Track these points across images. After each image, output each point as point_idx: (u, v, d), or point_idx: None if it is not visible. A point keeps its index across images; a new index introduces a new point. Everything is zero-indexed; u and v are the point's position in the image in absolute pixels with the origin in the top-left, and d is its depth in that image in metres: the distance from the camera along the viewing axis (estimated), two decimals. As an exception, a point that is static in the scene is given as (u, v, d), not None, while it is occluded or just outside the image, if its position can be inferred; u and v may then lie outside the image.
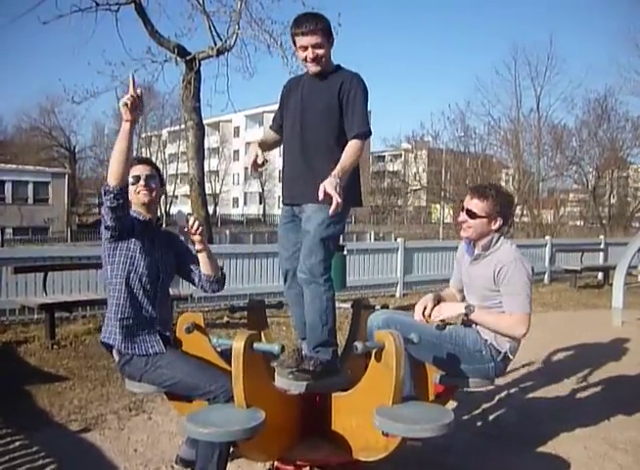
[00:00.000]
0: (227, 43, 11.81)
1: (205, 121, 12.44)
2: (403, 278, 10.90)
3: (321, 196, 2.69)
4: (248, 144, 60.48)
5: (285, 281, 3.23)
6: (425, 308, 3.19)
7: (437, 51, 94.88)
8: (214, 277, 3.17)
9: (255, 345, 2.58)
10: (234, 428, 2.39)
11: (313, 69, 2.99)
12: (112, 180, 2.77)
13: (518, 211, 28.32)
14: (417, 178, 35.00)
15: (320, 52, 2.94)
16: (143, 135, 51.59)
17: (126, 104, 2.67)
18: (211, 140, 50.03)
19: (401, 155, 45.14)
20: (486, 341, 3.11)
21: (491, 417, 4.37)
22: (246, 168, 60.42)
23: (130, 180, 3.00)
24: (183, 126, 12.82)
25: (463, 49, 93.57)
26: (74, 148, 51.76)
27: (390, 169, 50.42)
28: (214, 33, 11.83)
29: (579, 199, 33.57)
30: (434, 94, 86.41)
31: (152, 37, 11.55)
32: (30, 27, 53.58)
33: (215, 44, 11.78)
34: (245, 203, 62.80)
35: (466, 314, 3.11)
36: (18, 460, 3.40)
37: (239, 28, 11.71)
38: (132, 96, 2.68)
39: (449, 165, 31.55)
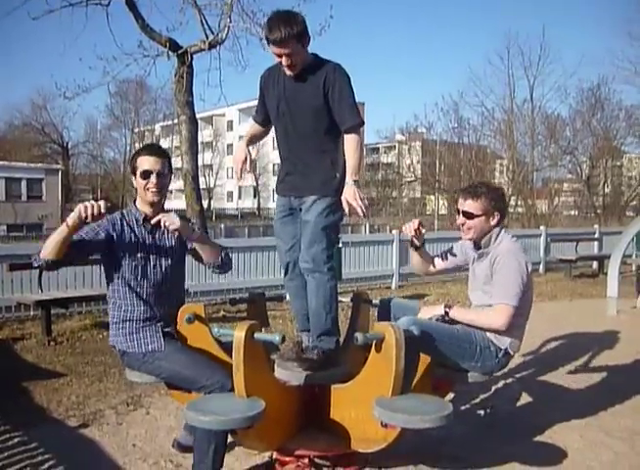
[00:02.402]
0: (219, 36, 11.72)
1: (198, 115, 12.36)
2: (399, 270, 10.92)
3: (346, 209, 2.88)
4: (241, 138, 60.50)
5: (285, 273, 3.24)
6: (416, 226, 3.33)
7: (430, 42, 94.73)
8: (214, 263, 3.10)
9: (256, 335, 2.60)
10: (234, 416, 2.42)
11: (289, 73, 2.96)
12: (43, 255, 2.73)
13: (512, 201, 28.37)
14: (411, 170, 35.07)
15: (293, 59, 2.90)
16: (136, 130, 51.49)
17: (81, 214, 2.60)
18: (205, 134, 49.85)
19: (395, 146, 45.10)
20: (488, 337, 3.14)
21: (487, 407, 4.39)
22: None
23: (140, 172, 2.98)
24: (176, 121, 12.75)
25: (456, 39, 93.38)
26: (67, 144, 51.61)
27: (385, 161, 50.36)
28: (206, 27, 11.72)
29: (573, 188, 33.63)
30: (427, 85, 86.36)
31: (143, 31, 11.45)
32: (21, 23, 53.31)
33: (207, 38, 11.69)
34: (239, 197, 62.68)
35: (446, 313, 3.15)
36: (17, 457, 3.40)
37: (230, 22, 11.60)
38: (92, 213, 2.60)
39: (443, 157, 31.60)
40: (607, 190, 32.62)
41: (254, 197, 57.69)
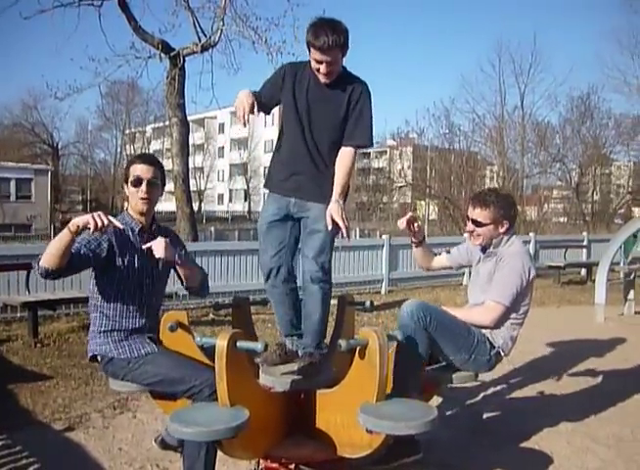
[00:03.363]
0: (211, 39, 11.73)
1: (189, 118, 12.36)
2: (389, 275, 10.93)
3: (329, 225, 2.84)
4: (232, 141, 60.32)
5: (267, 279, 3.16)
6: (410, 223, 3.39)
7: (422, 47, 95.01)
8: (192, 288, 3.14)
9: (239, 343, 2.58)
10: (217, 427, 2.38)
11: (323, 80, 2.92)
12: (43, 262, 2.66)
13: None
14: (402, 175, 35.05)
15: (334, 68, 2.87)
16: (127, 132, 51.31)
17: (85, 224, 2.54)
18: (196, 137, 49.74)
19: (386, 152, 45.19)
20: (484, 333, 3.16)
21: (475, 413, 4.40)
22: (231, 165, 60.39)
23: (131, 180, 2.96)
24: (167, 123, 12.73)
25: (448, 46, 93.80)
26: (57, 144, 51.19)
27: (375, 166, 50.41)
28: (199, 29, 11.75)
29: (563, 195, 33.80)
30: (418, 91, 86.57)
31: (135, 33, 11.45)
32: (12, 23, 53.04)
33: (200, 40, 11.70)
34: (230, 200, 62.60)
35: None
36: (0, 460, 3.37)
37: (223, 25, 11.63)
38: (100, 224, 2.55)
39: (434, 162, 31.61)
40: (595, 197, 32.81)
41: (245, 200, 57.62)
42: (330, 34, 2.76)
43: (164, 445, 3.35)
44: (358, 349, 2.65)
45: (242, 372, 2.64)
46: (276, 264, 3.11)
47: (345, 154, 2.96)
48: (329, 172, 2.99)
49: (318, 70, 2.88)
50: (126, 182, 3.03)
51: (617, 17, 61.69)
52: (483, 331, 3.17)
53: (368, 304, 3.77)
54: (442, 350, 3.12)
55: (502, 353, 3.21)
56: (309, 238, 3.02)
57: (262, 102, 3.04)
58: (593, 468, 3.52)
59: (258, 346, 2.59)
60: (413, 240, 3.55)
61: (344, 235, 2.89)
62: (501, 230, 3.22)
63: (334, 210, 2.85)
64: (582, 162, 31.36)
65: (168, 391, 2.94)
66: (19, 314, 7.13)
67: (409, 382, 2.94)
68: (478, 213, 3.20)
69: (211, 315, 7.78)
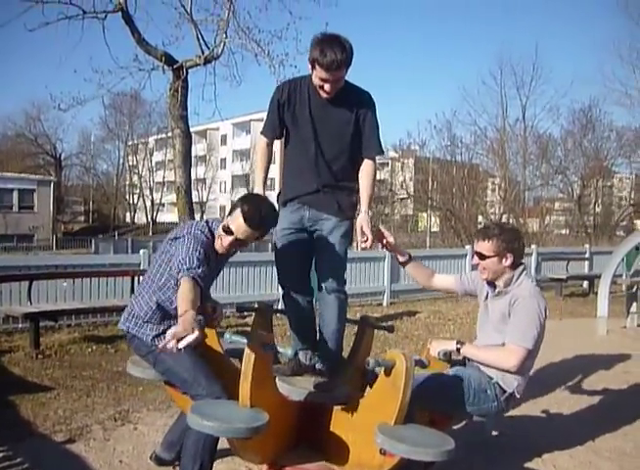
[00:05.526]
0: (214, 52, 11.81)
1: (192, 129, 12.41)
2: (390, 287, 10.91)
3: (359, 236, 2.91)
4: (234, 152, 60.46)
5: (287, 292, 3.17)
6: (378, 239, 3.28)
7: (424, 59, 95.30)
8: None
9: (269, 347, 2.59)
10: (237, 425, 2.39)
11: (325, 96, 2.90)
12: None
13: (504, 219, 28.48)
14: (404, 187, 35.09)
15: (338, 85, 2.86)
16: (130, 143, 51.45)
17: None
18: (198, 148, 49.85)
19: (388, 163, 45.27)
20: (491, 379, 3.12)
21: (477, 427, 4.37)
22: (233, 177, 60.50)
23: (236, 238, 2.89)
24: (170, 134, 12.79)
25: (450, 58, 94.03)
26: (60, 155, 51.43)
27: (377, 178, 50.52)
28: (202, 42, 11.83)
29: (565, 208, 33.83)
30: (420, 103, 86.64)
31: (139, 45, 11.52)
32: (17, 34, 53.39)
33: (203, 53, 11.77)
34: (232, 211, 62.51)
35: (457, 349, 3.14)
36: (1, 472, 3.36)
37: (226, 37, 11.71)
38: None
39: (436, 174, 31.66)
40: (597, 210, 32.85)
41: (247, 211, 57.45)
42: (338, 53, 2.72)
43: (160, 461, 3.37)
44: (384, 369, 2.64)
45: (265, 376, 2.65)
46: (295, 278, 3.13)
47: (368, 166, 3.01)
48: (343, 185, 3.03)
49: (322, 87, 2.86)
50: (225, 230, 2.91)
51: (618, 29, 61.96)
52: (492, 376, 3.11)
53: (388, 327, 3.74)
54: (443, 410, 3.15)
55: (517, 396, 3.18)
56: (324, 251, 3.04)
57: (275, 136, 3.09)
58: (596, 482, 3.50)
59: (289, 351, 2.60)
60: (399, 260, 3.50)
61: (367, 245, 2.94)
62: (505, 263, 3.16)
63: (364, 221, 2.91)
64: (584, 174, 31.41)
65: (176, 386, 2.99)
66: (20, 325, 7.10)
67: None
68: (481, 246, 3.18)
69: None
